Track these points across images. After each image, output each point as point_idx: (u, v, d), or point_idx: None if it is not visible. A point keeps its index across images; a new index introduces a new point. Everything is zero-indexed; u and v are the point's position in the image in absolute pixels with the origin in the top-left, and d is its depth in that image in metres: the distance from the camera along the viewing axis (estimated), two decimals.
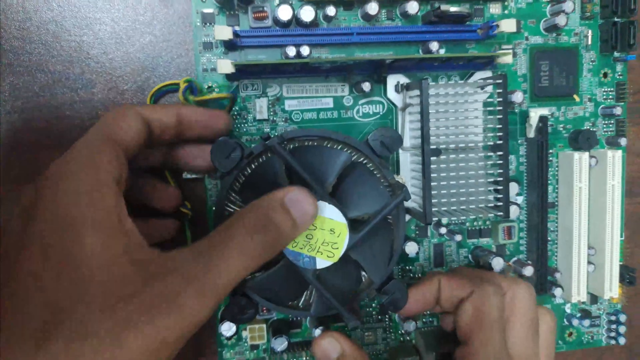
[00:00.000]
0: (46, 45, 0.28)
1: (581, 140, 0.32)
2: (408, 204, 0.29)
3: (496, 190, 0.28)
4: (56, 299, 0.17)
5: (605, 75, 0.33)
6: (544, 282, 0.32)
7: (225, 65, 0.26)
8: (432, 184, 0.27)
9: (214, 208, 0.28)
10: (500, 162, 0.28)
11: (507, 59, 0.29)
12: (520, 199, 0.33)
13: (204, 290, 0.18)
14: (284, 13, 0.27)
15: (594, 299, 0.35)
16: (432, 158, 0.27)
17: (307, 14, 0.27)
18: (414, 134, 0.29)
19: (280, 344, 0.29)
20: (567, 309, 0.35)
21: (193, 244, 0.20)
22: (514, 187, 0.32)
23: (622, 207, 0.33)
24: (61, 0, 0.28)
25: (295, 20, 0.28)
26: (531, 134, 0.32)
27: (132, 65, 0.29)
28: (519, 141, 0.32)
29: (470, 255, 0.33)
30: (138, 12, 0.29)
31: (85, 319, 0.16)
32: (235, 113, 0.29)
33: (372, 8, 0.28)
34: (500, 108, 0.28)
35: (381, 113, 0.31)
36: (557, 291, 0.32)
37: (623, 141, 0.32)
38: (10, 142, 0.28)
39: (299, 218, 0.21)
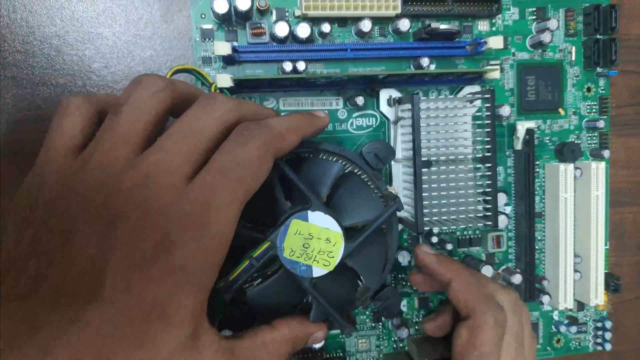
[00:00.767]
0: (49, 59, 0.29)
1: (566, 152, 0.33)
2: (400, 213, 0.29)
3: (485, 201, 0.29)
4: None
5: (588, 89, 0.34)
6: (532, 290, 0.33)
7: (225, 80, 0.27)
8: (423, 194, 0.28)
9: None
10: (489, 173, 0.29)
11: (495, 74, 0.30)
12: (508, 209, 0.34)
13: None
14: (281, 29, 0.28)
15: (580, 306, 0.36)
16: (423, 169, 0.28)
17: (303, 30, 0.28)
18: (406, 146, 0.30)
19: None
20: (555, 315, 0.36)
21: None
22: (502, 198, 0.32)
23: (606, 216, 0.34)
24: (64, 16, 0.29)
25: (292, 36, 0.29)
26: (518, 146, 0.32)
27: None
28: (507, 153, 0.33)
29: None
30: (139, 28, 0.29)
31: None
32: None
33: (366, 25, 0.29)
34: (489, 121, 0.28)
35: (374, 126, 0.31)
36: (545, 298, 0.33)
37: (606, 153, 0.33)
38: (12, 154, 0.28)
39: None
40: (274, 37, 0.29)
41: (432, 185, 0.28)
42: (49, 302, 0.16)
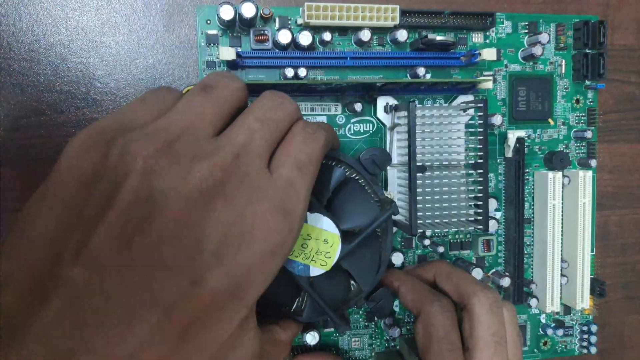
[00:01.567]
0: (54, 67, 0.29)
1: (555, 160, 0.34)
2: (395, 217, 0.30)
3: (476, 206, 0.30)
4: None
5: (577, 101, 0.35)
6: (521, 293, 0.34)
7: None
8: (417, 198, 0.28)
9: None
10: (481, 179, 0.30)
11: (488, 85, 0.31)
12: (498, 214, 0.35)
13: None
14: (284, 37, 0.29)
15: (567, 309, 0.37)
16: (417, 174, 0.28)
17: (305, 38, 0.29)
18: (401, 152, 0.31)
19: None
20: (542, 318, 0.37)
21: None
22: (492, 203, 0.33)
23: (592, 223, 0.35)
24: (69, 25, 0.29)
25: (294, 43, 0.30)
26: (509, 154, 0.34)
27: (136, 86, 0.30)
28: (498, 160, 0.34)
29: None
30: (142, 37, 0.30)
31: None
32: None
33: (365, 35, 0.30)
34: (481, 130, 0.29)
35: (371, 131, 0.32)
36: (533, 302, 0.34)
37: (593, 162, 0.35)
38: (16, 159, 0.29)
39: None
40: (276, 44, 0.30)
41: (426, 190, 0.29)
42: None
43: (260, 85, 0.29)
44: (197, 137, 0.18)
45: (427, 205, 0.29)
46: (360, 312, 0.34)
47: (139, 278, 0.15)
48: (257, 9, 0.29)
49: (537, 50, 0.33)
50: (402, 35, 0.30)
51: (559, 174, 0.33)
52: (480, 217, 0.30)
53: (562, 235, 0.34)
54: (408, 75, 0.32)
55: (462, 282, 0.28)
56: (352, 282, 0.28)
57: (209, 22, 0.30)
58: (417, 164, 0.28)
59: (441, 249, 0.33)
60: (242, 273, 0.17)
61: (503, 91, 0.34)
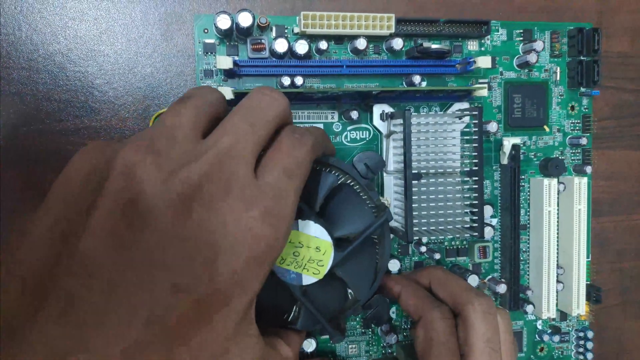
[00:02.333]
0: (52, 76, 0.29)
1: (550, 167, 0.34)
2: (391, 223, 0.30)
3: (472, 212, 0.30)
4: None
5: (572, 108, 0.36)
6: (517, 299, 0.34)
7: (226, 92, 0.28)
8: (413, 205, 0.29)
9: None
10: (476, 186, 0.30)
11: (483, 92, 0.31)
12: (494, 221, 0.35)
13: None
14: (280, 46, 0.29)
15: (563, 315, 0.37)
16: (413, 182, 0.29)
17: (302, 47, 0.30)
18: (397, 159, 0.31)
19: None
20: (539, 325, 0.37)
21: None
22: (488, 210, 0.33)
23: (588, 229, 0.35)
24: (67, 34, 0.29)
25: (290, 52, 0.30)
26: (505, 161, 0.34)
27: (134, 94, 0.31)
28: (494, 167, 0.35)
29: None
30: (140, 46, 0.30)
31: None
32: None
33: (361, 43, 0.30)
34: (477, 137, 0.29)
35: (367, 139, 0.33)
36: (529, 308, 0.34)
37: (588, 169, 0.35)
38: (15, 167, 0.29)
39: None
40: (273, 53, 0.30)
41: (422, 197, 0.29)
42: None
43: None
44: (178, 139, 0.18)
45: (423, 212, 0.30)
46: (357, 319, 0.34)
47: (123, 283, 0.16)
48: (254, 18, 0.29)
49: (532, 57, 0.33)
50: (397, 43, 0.31)
51: (555, 181, 0.34)
52: (476, 224, 0.30)
53: (557, 241, 0.34)
54: (404, 83, 0.32)
55: (456, 289, 0.28)
56: (349, 290, 0.28)
57: (206, 31, 0.30)
58: (413, 171, 0.29)
59: (437, 256, 0.33)
60: (225, 279, 0.17)
61: (498, 98, 0.34)
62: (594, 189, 0.37)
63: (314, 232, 0.24)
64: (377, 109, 0.32)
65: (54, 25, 0.29)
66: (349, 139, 0.32)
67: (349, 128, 0.32)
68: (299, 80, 0.30)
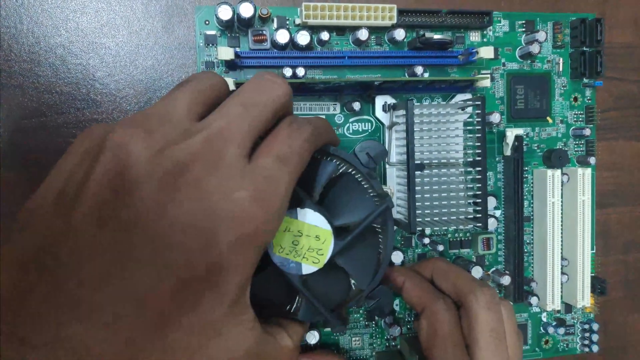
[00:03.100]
0: (54, 68, 0.29)
1: (554, 158, 0.34)
2: (394, 215, 0.30)
3: (475, 204, 0.30)
4: None
5: (575, 99, 0.36)
6: (521, 291, 0.34)
7: (228, 83, 0.28)
8: (416, 196, 0.28)
9: None
10: (479, 177, 0.30)
11: (486, 83, 0.31)
12: (498, 213, 0.35)
13: None
14: (282, 37, 0.29)
15: (568, 308, 0.37)
16: (416, 173, 0.28)
17: (303, 38, 0.29)
18: (400, 150, 0.31)
19: None
20: (544, 317, 0.36)
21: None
22: (492, 201, 0.33)
23: (592, 221, 0.35)
24: (69, 27, 0.29)
25: (292, 43, 0.30)
26: (508, 152, 0.34)
27: (135, 87, 0.31)
28: (497, 159, 0.34)
29: None
30: (141, 38, 0.30)
31: None
32: None
33: (363, 34, 0.30)
34: (479, 128, 0.29)
35: (370, 130, 0.33)
36: (534, 300, 0.34)
37: (592, 160, 0.35)
38: (16, 160, 0.29)
39: None
40: (274, 44, 0.30)
41: (425, 188, 0.29)
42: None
43: None
44: (172, 120, 0.18)
45: (426, 203, 0.29)
46: (361, 311, 0.33)
47: (110, 263, 0.16)
48: (255, 9, 0.29)
49: (534, 48, 0.33)
50: (399, 34, 0.31)
51: (558, 172, 0.33)
52: (480, 215, 0.30)
53: (561, 233, 0.34)
54: (406, 74, 0.32)
55: (459, 280, 0.28)
56: (353, 281, 0.28)
57: (207, 22, 0.30)
58: (416, 162, 0.29)
59: (441, 248, 0.33)
60: (209, 259, 0.17)
61: (501, 89, 0.34)
62: (597, 180, 0.37)
63: (314, 220, 0.24)
64: (380, 100, 0.32)
65: (56, 18, 0.29)
66: (351, 131, 0.32)
67: (351, 120, 0.32)
68: (300, 72, 0.30)
